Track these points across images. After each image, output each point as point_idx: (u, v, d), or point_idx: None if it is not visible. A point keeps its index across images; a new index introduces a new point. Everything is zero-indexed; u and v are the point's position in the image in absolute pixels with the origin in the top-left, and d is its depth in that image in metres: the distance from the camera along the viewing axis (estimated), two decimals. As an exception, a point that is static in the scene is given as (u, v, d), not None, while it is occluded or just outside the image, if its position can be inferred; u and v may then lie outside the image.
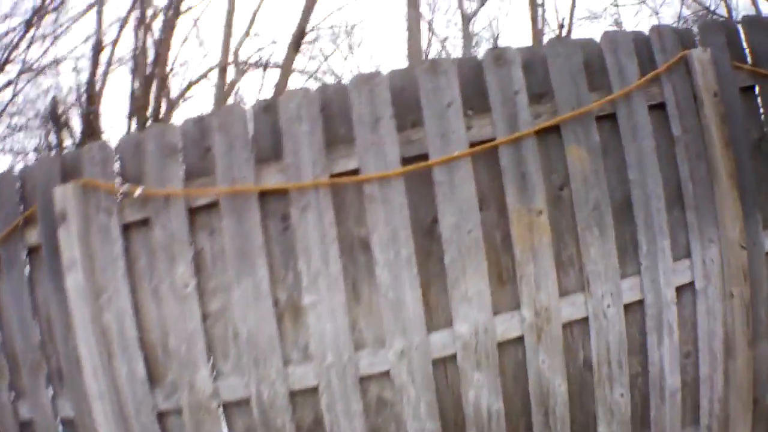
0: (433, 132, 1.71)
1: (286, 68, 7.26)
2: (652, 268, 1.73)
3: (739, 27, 1.94)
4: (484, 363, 1.66)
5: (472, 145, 1.71)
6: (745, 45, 1.91)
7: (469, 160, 1.70)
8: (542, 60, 1.78)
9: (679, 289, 1.76)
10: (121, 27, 7.02)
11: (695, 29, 2.02)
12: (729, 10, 7.60)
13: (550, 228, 1.72)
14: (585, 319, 1.72)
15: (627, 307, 1.74)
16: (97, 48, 6.85)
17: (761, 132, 1.89)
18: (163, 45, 6.95)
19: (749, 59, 1.89)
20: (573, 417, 1.73)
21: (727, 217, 1.73)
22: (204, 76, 8.25)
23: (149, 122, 6.69)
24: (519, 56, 1.75)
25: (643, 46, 1.83)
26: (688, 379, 1.78)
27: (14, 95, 6.93)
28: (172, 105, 7.72)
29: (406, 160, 1.70)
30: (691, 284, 1.76)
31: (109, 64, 7.01)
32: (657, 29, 1.87)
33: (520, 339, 1.70)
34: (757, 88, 1.88)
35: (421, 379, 1.66)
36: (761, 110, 1.91)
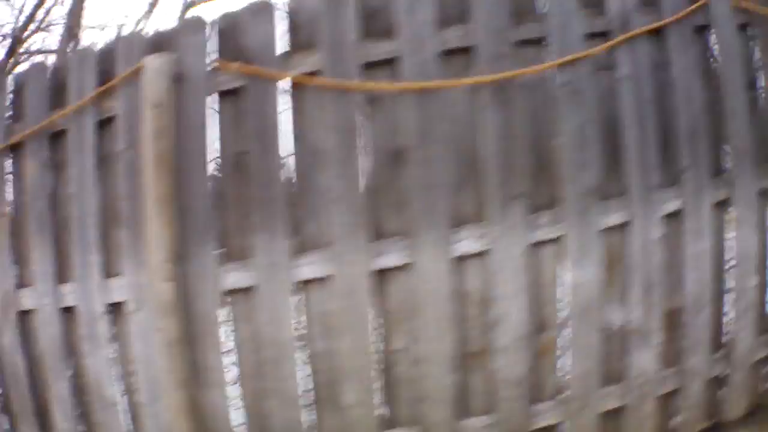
0: None
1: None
2: (85, 281, 1.68)
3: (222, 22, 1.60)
4: None
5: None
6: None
7: None
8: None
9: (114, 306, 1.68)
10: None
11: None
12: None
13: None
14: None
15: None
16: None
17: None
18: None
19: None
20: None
21: (152, 242, 1.58)
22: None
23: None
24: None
25: (111, 58, 1.66)
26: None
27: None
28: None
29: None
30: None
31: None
32: (122, 39, 1.66)
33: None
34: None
35: None
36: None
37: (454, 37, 1.59)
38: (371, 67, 1.59)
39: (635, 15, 1.68)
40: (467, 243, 1.57)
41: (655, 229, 1.66)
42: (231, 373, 1.67)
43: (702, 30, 1.76)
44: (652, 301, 1.67)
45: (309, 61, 1.58)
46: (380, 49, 1.58)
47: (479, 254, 1.58)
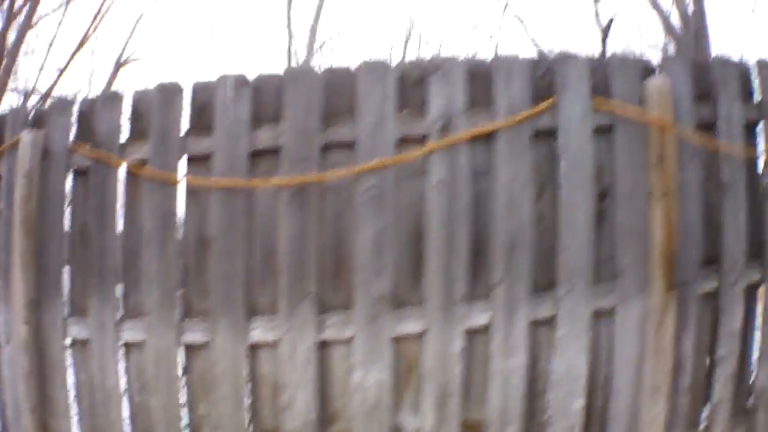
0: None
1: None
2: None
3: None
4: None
5: None
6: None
7: None
8: None
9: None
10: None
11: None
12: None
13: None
14: None
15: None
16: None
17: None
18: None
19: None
20: None
21: (15, 290, 1.87)
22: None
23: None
24: None
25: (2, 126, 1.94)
26: None
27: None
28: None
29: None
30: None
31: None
32: (11, 112, 1.93)
33: None
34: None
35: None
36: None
37: (265, 137, 1.66)
38: (192, 160, 1.72)
39: (461, 118, 1.62)
40: (260, 332, 1.68)
41: (455, 341, 1.63)
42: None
43: (546, 134, 1.65)
44: (448, 412, 1.65)
45: (143, 150, 1.75)
46: (200, 145, 1.71)
47: (271, 343, 1.68)
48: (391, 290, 1.63)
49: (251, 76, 1.73)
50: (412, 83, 1.66)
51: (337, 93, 1.67)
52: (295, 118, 1.64)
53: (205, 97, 1.72)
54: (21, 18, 6.71)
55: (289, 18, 11.56)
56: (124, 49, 9.38)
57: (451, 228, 1.62)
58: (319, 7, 11.46)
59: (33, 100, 7.82)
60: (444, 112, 1.62)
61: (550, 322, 1.65)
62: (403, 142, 1.63)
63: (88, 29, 8.31)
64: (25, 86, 8.39)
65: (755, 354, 1.79)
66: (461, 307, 1.62)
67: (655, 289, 1.63)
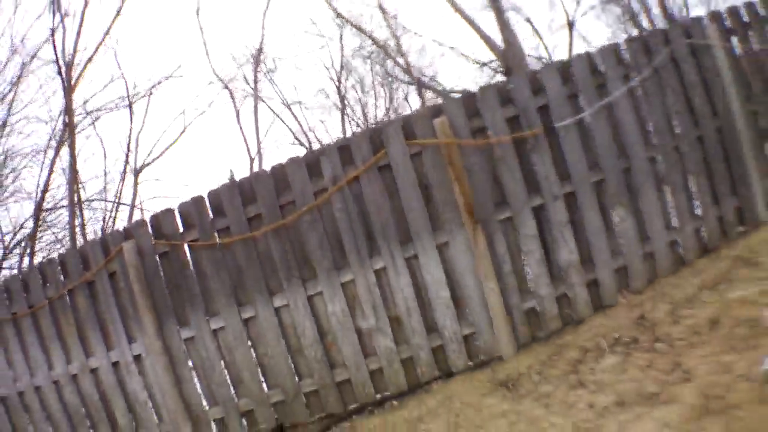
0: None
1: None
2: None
3: None
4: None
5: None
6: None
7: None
8: None
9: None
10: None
11: None
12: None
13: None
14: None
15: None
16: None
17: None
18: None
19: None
20: None
21: (146, 324, 3.53)
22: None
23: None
24: None
25: (107, 242, 3.60)
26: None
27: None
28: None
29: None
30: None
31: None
32: (110, 233, 3.57)
33: None
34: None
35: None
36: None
37: (252, 210, 3.36)
38: (219, 231, 3.40)
39: (340, 173, 3.32)
40: (278, 299, 3.38)
41: (371, 279, 3.34)
42: None
43: (386, 167, 3.36)
44: (380, 315, 3.36)
45: (192, 234, 3.43)
46: (221, 223, 3.40)
47: (285, 304, 3.38)
48: (332, 262, 3.33)
49: (237, 178, 3.41)
50: (314, 163, 3.36)
51: (280, 179, 3.36)
52: (263, 197, 3.35)
53: (216, 199, 3.40)
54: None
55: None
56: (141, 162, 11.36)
57: (352, 226, 3.33)
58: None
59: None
60: (331, 173, 3.33)
61: (415, 257, 3.37)
62: (316, 193, 3.34)
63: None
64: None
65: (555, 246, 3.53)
66: (368, 262, 3.33)
67: (467, 225, 3.34)
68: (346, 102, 15.26)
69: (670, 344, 2.78)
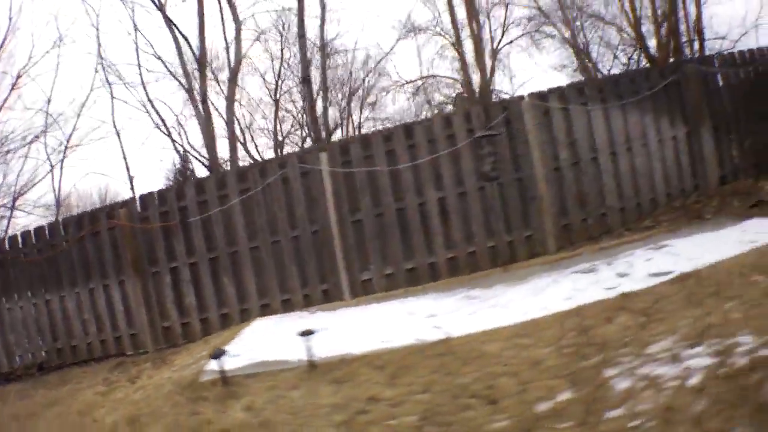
0: None
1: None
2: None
3: None
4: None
5: None
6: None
7: None
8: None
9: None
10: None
11: None
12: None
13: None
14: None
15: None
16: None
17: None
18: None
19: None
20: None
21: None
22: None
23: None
24: None
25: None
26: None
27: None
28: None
29: None
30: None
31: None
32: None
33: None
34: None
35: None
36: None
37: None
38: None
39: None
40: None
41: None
42: None
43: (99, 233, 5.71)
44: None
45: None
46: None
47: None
48: (77, 279, 5.84)
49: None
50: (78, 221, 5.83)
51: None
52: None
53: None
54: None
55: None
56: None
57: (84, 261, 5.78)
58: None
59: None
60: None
61: (108, 285, 5.68)
62: (79, 239, 5.83)
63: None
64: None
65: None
66: (86, 283, 5.75)
67: (134, 273, 5.54)
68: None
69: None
